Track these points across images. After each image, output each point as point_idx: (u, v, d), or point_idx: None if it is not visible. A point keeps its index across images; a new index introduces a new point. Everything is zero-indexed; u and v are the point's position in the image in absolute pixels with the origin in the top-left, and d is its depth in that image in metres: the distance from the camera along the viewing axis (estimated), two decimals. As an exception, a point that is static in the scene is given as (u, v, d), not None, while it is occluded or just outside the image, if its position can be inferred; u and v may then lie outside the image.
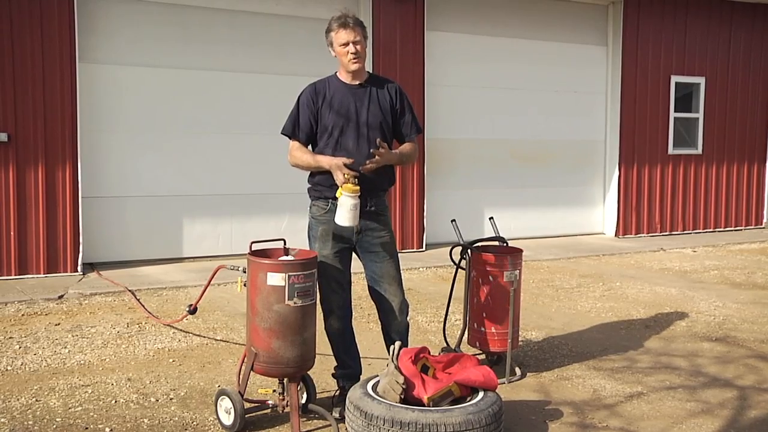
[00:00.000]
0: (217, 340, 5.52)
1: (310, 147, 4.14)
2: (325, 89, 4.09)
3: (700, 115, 11.49)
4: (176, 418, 4.02)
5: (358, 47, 4.00)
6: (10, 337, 5.46)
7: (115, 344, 5.34)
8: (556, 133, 10.64)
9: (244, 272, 3.84)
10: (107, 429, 3.87)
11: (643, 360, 5.16)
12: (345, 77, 4.11)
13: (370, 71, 4.32)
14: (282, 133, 4.16)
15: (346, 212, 3.86)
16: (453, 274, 5.12)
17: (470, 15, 9.89)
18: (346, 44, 3.99)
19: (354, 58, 4.00)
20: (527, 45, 10.30)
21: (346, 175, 3.85)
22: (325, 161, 3.97)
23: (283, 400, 3.84)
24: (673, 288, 7.54)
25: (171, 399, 4.30)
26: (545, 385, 4.64)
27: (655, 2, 10.92)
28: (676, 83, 11.20)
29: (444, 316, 5.14)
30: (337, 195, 3.89)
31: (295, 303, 3.65)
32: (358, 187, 3.86)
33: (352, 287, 4.23)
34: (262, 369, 3.76)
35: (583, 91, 10.81)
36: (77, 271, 7.60)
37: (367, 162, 3.94)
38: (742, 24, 11.65)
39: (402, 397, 3.51)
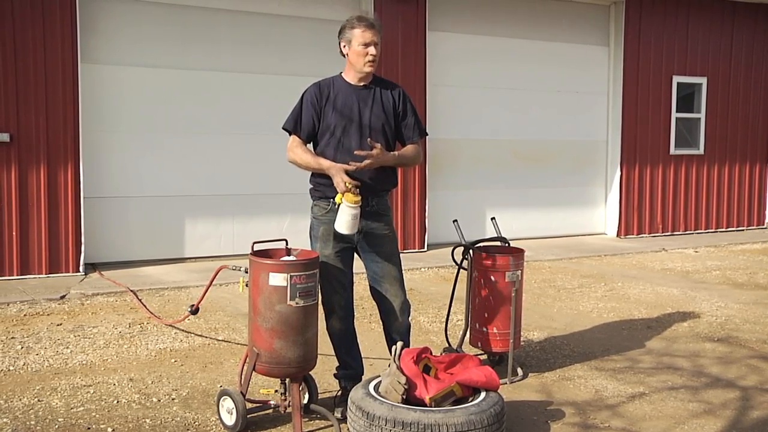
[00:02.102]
0: (219, 340, 5.52)
1: (310, 146, 4.13)
2: (329, 88, 4.08)
3: (702, 116, 11.49)
4: (178, 419, 4.02)
5: (378, 50, 4.00)
6: (12, 338, 5.46)
7: (117, 344, 5.34)
8: (557, 133, 10.64)
9: (246, 272, 3.83)
10: (109, 429, 3.87)
11: (645, 360, 5.15)
12: (350, 78, 4.09)
13: (374, 72, 4.31)
14: (283, 128, 4.12)
15: (345, 221, 3.84)
16: (455, 275, 5.12)
17: (472, 15, 9.89)
18: (368, 45, 3.96)
19: (371, 61, 3.99)
20: (529, 45, 10.31)
21: (347, 184, 3.82)
22: (327, 165, 3.94)
23: (285, 400, 3.84)
24: (675, 288, 7.53)
25: (173, 399, 4.30)
26: (547, 385, 4.63)
27: (657, 2, 10.92)
28: (678, 83, 11.20)
29: (446, 317, 5.14)
30: (337, 201, 3.87)
31: (297, 303, 3.65)
32: (359, 198, 3.82)
33: (354, 287, 4.22)
34: (264, 369, 3.76)
35: (585, 92, 10.81)
36: (79, 272, 7.61)
37: (363, 160, 3.90)
38: (744, 24, 11.64)
39: (404, 397, 3.51)
